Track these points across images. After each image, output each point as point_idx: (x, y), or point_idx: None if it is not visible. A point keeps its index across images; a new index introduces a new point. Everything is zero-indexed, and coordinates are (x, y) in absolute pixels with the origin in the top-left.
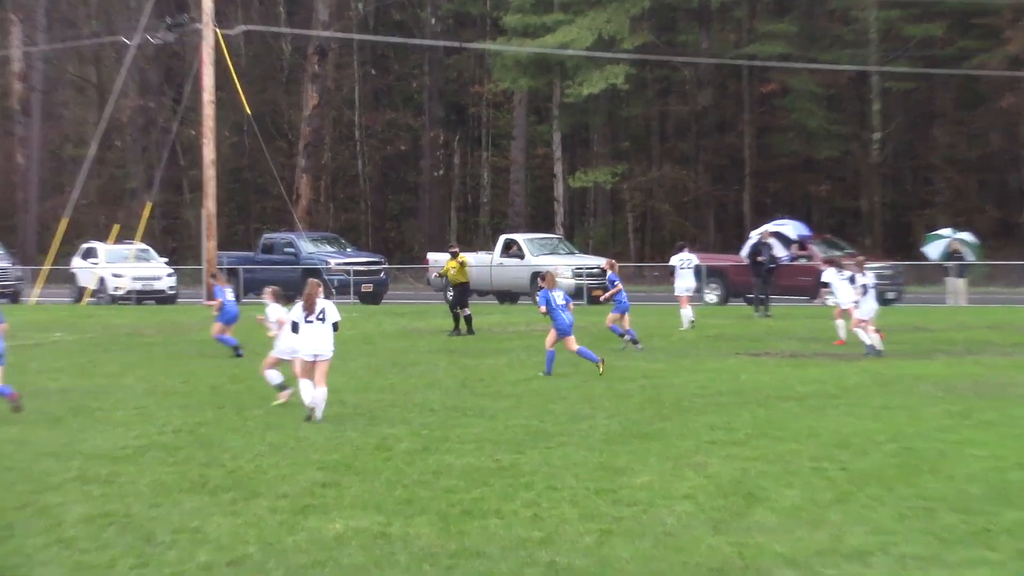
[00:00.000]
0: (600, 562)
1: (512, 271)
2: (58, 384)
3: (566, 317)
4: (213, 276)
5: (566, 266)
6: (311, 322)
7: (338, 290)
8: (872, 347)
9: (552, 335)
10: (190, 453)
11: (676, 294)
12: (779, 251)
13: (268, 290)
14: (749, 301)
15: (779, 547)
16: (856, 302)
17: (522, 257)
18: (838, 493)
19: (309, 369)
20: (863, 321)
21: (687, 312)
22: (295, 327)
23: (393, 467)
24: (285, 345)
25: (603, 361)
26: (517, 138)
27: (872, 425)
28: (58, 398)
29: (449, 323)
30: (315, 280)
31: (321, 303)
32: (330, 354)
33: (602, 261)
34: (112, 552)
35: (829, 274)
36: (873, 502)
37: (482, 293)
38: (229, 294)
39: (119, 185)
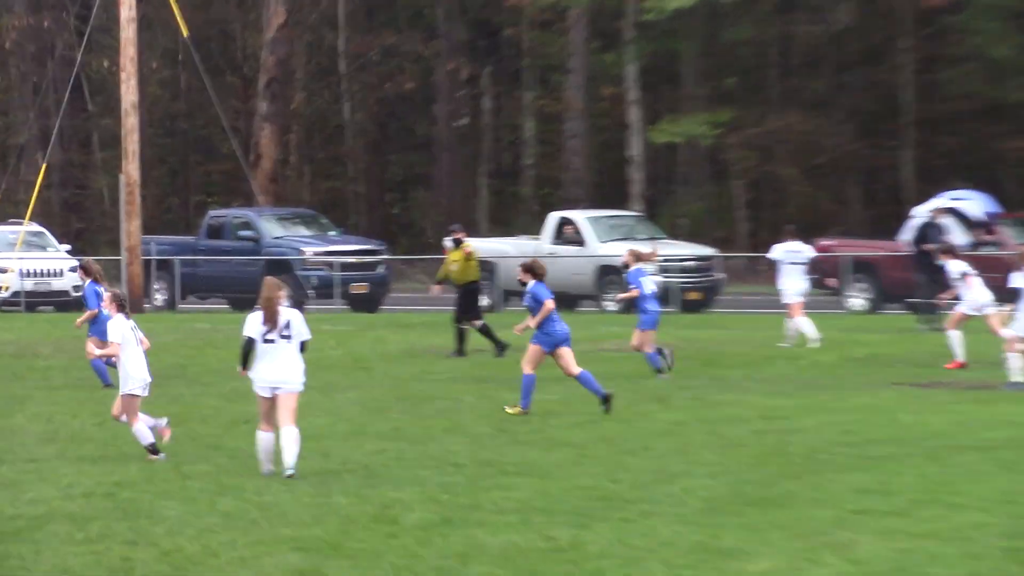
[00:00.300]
0: None
1: (568, 264)
2: None
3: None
4: (84, 270)
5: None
6: (272, 340)
7: (318, 292)
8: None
9: (533, 352)
10: (107, 526)
11: (786, 300)
12: (956, 237)
13: (107, 294)
14: (913, 307)
15: None
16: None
17: (582, 243)
18: None
19: (269, 408)
20: (1020, 339)
21: (804, 324)
22: (249, 346)
23: (400, 547)
24: (136, 373)
25: (610, 398)
26: (574, 72)
27: None
28: None
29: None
30: (274, 280)
31: (286, 313)
32: (300, 385)
33: (703, 249)
34: None
35: (958, 265)
36: None
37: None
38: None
39: (0, 140)
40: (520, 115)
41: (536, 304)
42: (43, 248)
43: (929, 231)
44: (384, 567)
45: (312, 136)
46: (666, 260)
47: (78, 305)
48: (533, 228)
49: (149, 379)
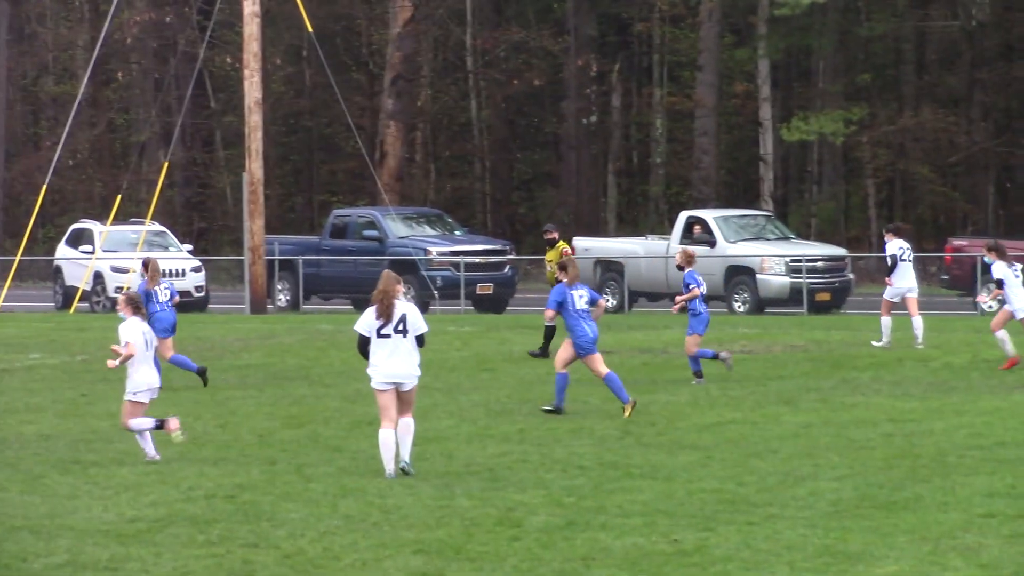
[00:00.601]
0: None
1: (697, 264)
2: (36, 428)
3: (588, 329)
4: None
5: (778, 257)
6: (387, 335)
7: (443, 292)
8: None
9: (566, 351)
10: (228, 529)
11: (891, 297)
12: None
13: (122, 297)
14: None
15: None
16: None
17: (713, 244)
18: None
19: (388, 403)
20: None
21: (918, 322)
22: (365, 343)
23: (523, 551)
24: (144, 379)
25: (633, 404)
26: (705, 69)
27: None
28: (36, 448)
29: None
30: (393, 274)
31: (401, 308)
32: (416, 380)
33: (833, 249)
34: None
35: (1000, 268)
36: None
37: (654, 297)
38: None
39: (122, 138)
40: (650, 112)
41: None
42: (165, 248)
43: None
44: (507, 570)
45: (438, 134)
46: (795, 260)
47: (200, 305)
48: (662, 228)
49: (157, 385)
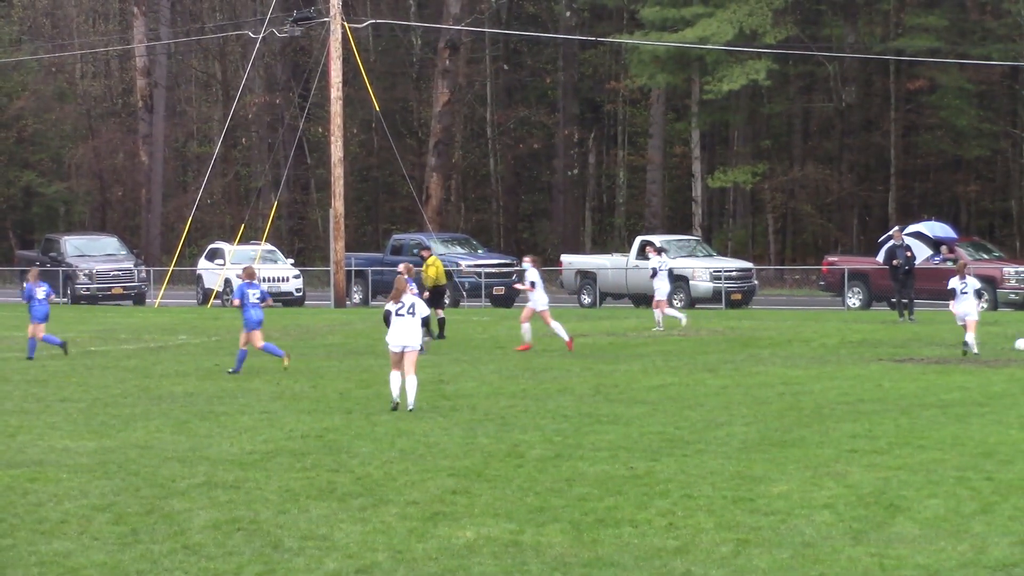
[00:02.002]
0: (736, 572)
1: (648, 273)
2: (183, 388)
3: (254, 314)
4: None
5: (704, 268)
6: (401, 315)
7: (469, 293)
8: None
9: (247, 335)
10: (318, 459)
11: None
12: (921, 252)
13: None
14: (893, 306)
15: (921, 558)
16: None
17: None
18: (983, 504)
19: (399, 360)
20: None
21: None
22: (388, 315)
23: (525, 474)
24: None
25: (288, 355)
26: (654, 136)
27: (1019, 434)
28: (183, 402)
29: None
30: (404, 279)
31: (410, 299)
32: (417, 346)
33: (743, 263)
34: (239, 559)
35: (954, 281)
36: (1019, 513)
37: (617, 296)
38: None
39: (244, 184)
40: (615, 167)
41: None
42: (274, 262)
43: (895, 250)
44: (513, 488)
45: (467, 182)
46: (716, 271)
47: (299, 302)
48: (623, 248)
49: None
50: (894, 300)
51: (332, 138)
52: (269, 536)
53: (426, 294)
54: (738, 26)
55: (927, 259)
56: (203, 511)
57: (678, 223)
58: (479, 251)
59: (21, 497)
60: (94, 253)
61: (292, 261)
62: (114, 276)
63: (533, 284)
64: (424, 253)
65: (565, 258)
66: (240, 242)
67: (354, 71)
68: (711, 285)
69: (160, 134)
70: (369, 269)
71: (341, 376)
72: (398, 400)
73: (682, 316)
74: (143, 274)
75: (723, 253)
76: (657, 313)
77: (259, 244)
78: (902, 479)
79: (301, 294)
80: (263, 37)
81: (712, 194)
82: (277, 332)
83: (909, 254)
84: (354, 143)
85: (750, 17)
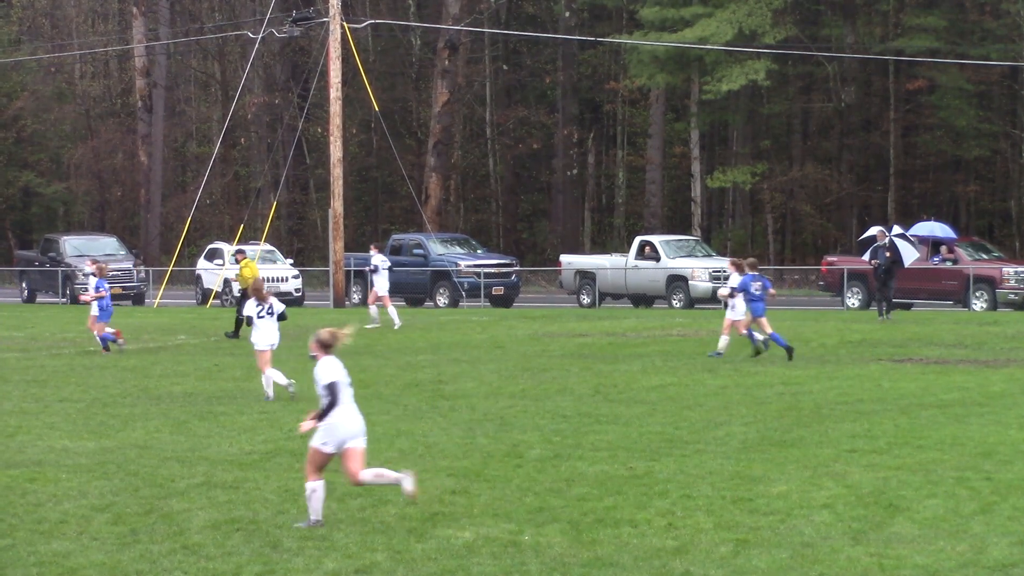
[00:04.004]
0: (736, 573)
1: (647, 274)
2: (182, 388)
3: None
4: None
5: (703, 269)
6: (262, 316)
7: (468, 293)
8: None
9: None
10: None
11: None
12: (909, 254)
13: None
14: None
15: (920, 559)
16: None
17: (658, 259)
18: (981, 504)
19: (268, 358)
20: (737, 322)
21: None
22: (250, 320)
23: (524, 474)
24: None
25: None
26: (653, 136)
27: (1018, 434)
28: (182, 402)
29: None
30: (262, 280)
31: (271, 299)
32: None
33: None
34: (238, 559)
35: (734, 279)
36: (1018, 513)
37: (616, 296)
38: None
39: (244, 184)
40: (614, 167)
41: None
42: (273, 261)
43: (877, 251)
44: (512, 488)
45: (466, 182)
46: (716, 271)
47: (298, 302)
48: (623, 248)
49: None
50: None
51: (331, 138)
52: (268, 536)
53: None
54: (737, 26)
55: (930, 260)
56: (202, 511)
57: (677, 223)
58: (478, 251)
59: (20, 497)
60: (93, 253)
61: (291, 261)
62: (113, 276)
63: (376, 268)
64: (239, 256)
65: (564, 258)
66: (239, 242)
67: (353, 71)
68: (710, 285)
69: (159, 134)
70: (368, 269)
71: None
72: (273, 395)
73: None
74: (142, 274)
75: (722, 253)
76: (723, 339)
77: (258, 244)
78: (901, 479)
79: (300, 294)
80: (262, 37)
81: (711, 194)
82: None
83: (889, 254)
84: (353, 143)
85: (749, 17)
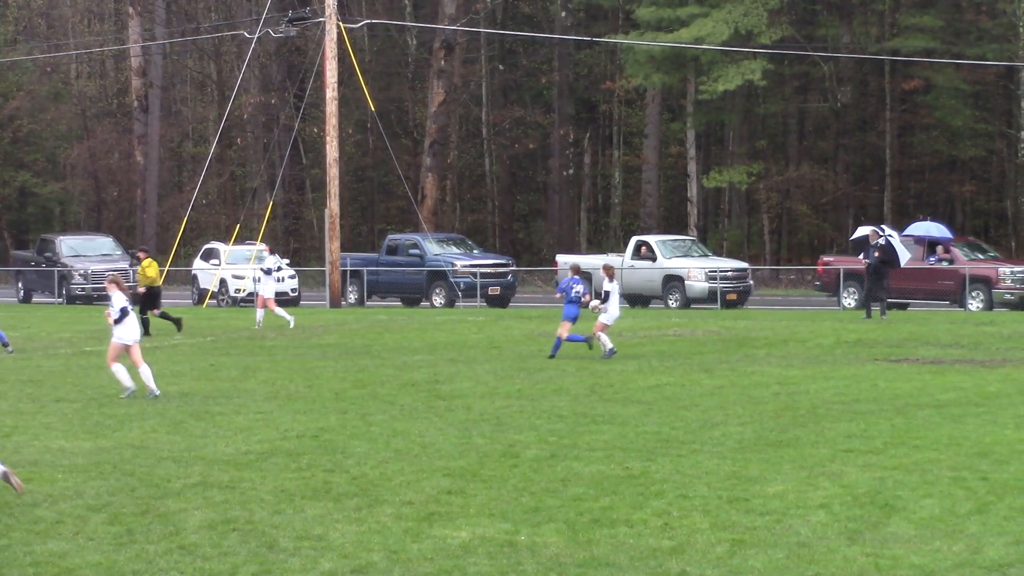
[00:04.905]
0: (732, 573)
1: (643, 274)
2: (178, 388)
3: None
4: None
5: (700, 268)
6: (128, 312)
7: (464, 293)
8: (611, 350)
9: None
10: (313, 459)
11: None
12: (903, 254)
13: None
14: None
15: (916, 559)
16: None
17: (654, 259)
18: (978, 504)
19: (125, 353)
20: (606, 326)
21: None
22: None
23: (520, 474)
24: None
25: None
26: (649, 136)
27: (1014, 434)
28: (179, 402)
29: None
30: (120, 277)
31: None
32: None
33: (739, 263)
34: (234, 559)
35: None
36: (1014, 513)
37: None
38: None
39: (240, 184)
40: (610, 167)
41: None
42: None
43: (868, 250)
44: (508, 488)
45: (462, 182)
46: (712, 271)
47: (294, 302)
48: (619, 248)
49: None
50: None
51: (328, 138)
52: (264, 536)
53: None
54: (733, 26)
55: (926, 260)
56: (198, 511)
57: (673, 223)
58: (474, 251)
59: (16, 497)
60: (89, 253)
61: (287, 261)
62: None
63: (269, 271)
64: (140, 255)
65: (560, 258)
66: (235, 242)
67: (349, 71)
68: (706, 285)
69: (155, 134)
70: (364, 269)
71: (336, 376)
72: (134, 387)
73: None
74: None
75: (718, 253)
76: (603, 338)
77: (254, 244)
78: (897, 479)
79: (296, 294)
80: (258, 37)
81: (707, 194)
82: (272, 332)
83: (878, 254)
84: (349, 143)
85: (745, 17)
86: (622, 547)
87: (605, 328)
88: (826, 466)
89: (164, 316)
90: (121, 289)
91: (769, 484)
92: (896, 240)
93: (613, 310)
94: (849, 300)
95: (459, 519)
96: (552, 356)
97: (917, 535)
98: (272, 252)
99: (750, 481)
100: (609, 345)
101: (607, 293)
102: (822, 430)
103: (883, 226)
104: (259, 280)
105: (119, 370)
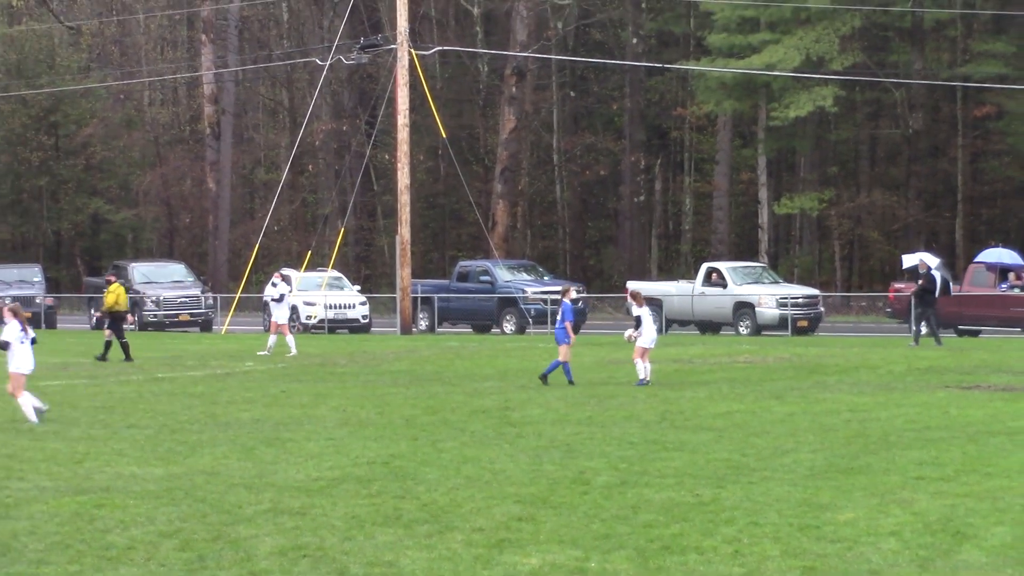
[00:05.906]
0: None
1: (714, 300)
2: (250, 415)
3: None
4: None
5: (770, 295)
6: (23, 342)
7: (535, 319)
8: (643, 380)
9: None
10: (384, 485)
11: None
12: (940, 284)
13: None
14: (959, 333)
15: None
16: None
17: (725, 286)
18: None
19: (26, 381)
20: (647, 350)
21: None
22: (7, 345)
23: (591, 501)
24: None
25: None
26: (720, 163)
27: None
28: (250, 429)
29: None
30: (19, 306)
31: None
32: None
33: (810, 290)
34: None
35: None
36: None
37: (683, 323)
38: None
39: (311, 211)
40: (681, 193)
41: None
42: (341, 288)
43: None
44: (579, 515)
45: (533, 208)
46: (783, 298)
47: (365, 329)
48: (689, 275)
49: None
50: (954, 326)
51: (399, 165)
52: (335, 563)
53: (101, 314)
54: (804, 52)
55: (998, 287)
56: (269, 537)
57: (744, 250)
58: (545, 277)
59: (88, 523)
60: (161, 280)
61: (359, 288)
62: (181, 303)
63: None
64: (110, 278)
65: (631, 284)
66: (307, 268)
67: (421, 98)
68: (777, 312)
69: (227, 161)
70: (436, 296)
71: (407, 403)
72: (44, 407)
73: None
74: (210, 301)
75: (789, 280)
76: (640, 364)
77: (325, 271)
78: (969, 507)
79: (367, 320)
80: (330, 64)
81: (778, 220)
82: (344, 358)
83: (921, 282)
84: (421, 170)
85: (817, 44)
86: (692, 574)
87: (645, 353)
88: (897, 493)
89: (107, 344)
90: (18, 318)
91: (840, 511)
92: (937, 273)
93: (649, 333)
94: (921, 327)
95: (529, 546)
96: (570, 383)
97: (988, 563)
98: (284, 279)
99: (821, 508)
100: (642, 375)
101: (638, 319)
102: (893, 457)
103: (928, 254)
104: (268, 305)
105: (25, 401)
